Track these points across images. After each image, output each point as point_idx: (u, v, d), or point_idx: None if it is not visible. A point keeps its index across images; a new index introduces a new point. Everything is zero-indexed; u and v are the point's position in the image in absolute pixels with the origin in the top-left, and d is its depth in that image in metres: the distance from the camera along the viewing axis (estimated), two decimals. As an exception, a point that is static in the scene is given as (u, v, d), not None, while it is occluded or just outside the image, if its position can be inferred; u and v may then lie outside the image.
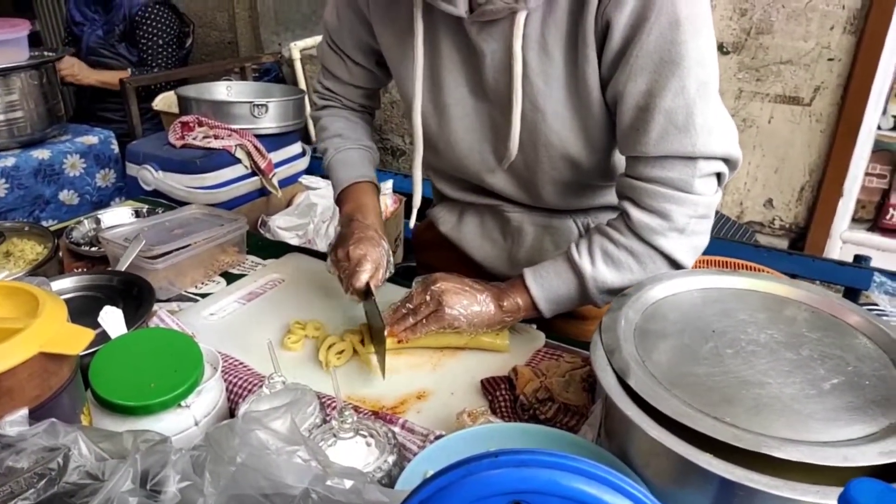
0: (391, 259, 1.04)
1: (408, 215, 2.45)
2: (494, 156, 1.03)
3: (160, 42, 2.80)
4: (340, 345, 0.97)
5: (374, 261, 0.98)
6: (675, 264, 0.90)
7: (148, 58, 2.80)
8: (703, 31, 0.82)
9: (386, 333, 0.94)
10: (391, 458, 0.69)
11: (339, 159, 1.17)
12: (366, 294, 0.98)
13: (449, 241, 1.23)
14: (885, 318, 1.53)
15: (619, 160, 1.00)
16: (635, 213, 0.89)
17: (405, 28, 0.99)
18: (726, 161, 0.87)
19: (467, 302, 0.94)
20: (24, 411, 0.57)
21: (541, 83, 0.92)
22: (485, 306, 0.94)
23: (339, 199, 1.15)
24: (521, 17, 0.87)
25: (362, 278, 0.96)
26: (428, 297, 0.94)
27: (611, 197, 1.08)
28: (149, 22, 2.76)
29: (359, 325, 1.01)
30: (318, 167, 2.50)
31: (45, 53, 2.07)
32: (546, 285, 0.95)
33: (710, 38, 0.83)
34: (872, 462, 0.55)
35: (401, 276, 1.21)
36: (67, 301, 0.76)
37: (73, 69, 2.68)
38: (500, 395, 0.87)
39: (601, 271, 0.91)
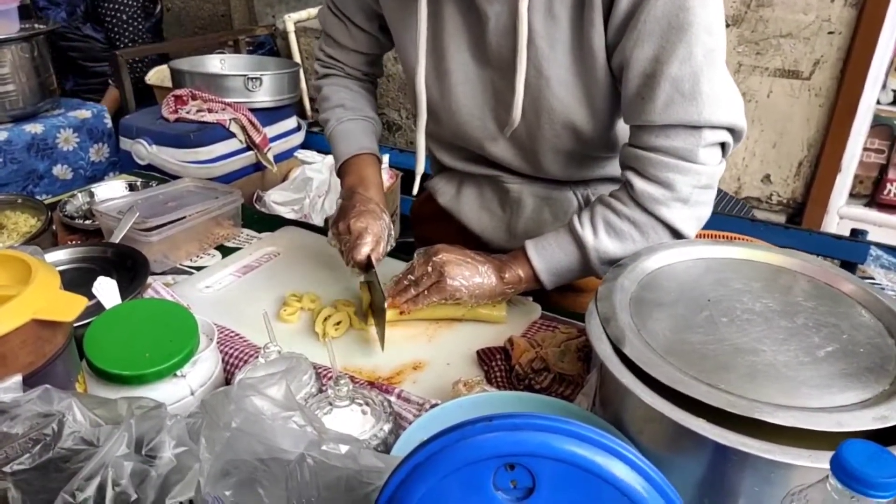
0: (392, 232, 1.04)
1: (405, 190, 2.44)
2: (496, 123, 1.02)
3: (124, 17, 2.68)
4: (337, 316, 0.97)
5: (375, 234, 0.98)
6: (678, 234, 0.90)
7: (115, 35, 2.69)
8: None
9: (387, 305, 0.95)
10: (387, 427, 0.70)
11: (340, 130, 1.15)
12: (366, 267, 0.98)
13: (447, 213, 1.22)
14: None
15: (622, 132, 0.99)
16: (639, 183, 0.88)
17: None
18: (731, 131, 0.86)
19: (469, 273, 0.94)
20: (18, 378, 0.57)
21: (546, 47, 0.90)
22: (486, 278, 0.94)
23: (341, 172, 1.14)
24: None
25: (363, 251, 0.96)
26: (430, 269, 0.94)
27: (611, 169, 1.08)
28: None
29: (359, 294, 1.01)
30: (313, 142, 2.48)
31: (36, 26, 2.04)
32: (548, 257, 0.95)
33: (719, 5, 0.82)
34: (866, 427, 0.55)
35: (399, 251, 1.21)
36: (62, 273, 0.76)
37: None
38: (496, 365, 0.87)
39: (603, 242, 0.91)
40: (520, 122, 0.97)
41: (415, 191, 1.14)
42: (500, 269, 0.96)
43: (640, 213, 0.89)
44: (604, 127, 0.98)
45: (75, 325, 0.67)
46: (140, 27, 2.76)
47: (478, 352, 0.91)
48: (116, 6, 2.67)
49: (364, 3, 1.08)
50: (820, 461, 0.52)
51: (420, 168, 1.10)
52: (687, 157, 0.85)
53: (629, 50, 0.84)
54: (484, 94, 1.00)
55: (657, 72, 0.83)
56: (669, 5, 0.80)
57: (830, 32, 2.33)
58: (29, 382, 0.58)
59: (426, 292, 0.94)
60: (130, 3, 2.70)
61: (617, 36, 0.86)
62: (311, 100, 3.16)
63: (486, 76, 0.99)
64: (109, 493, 0.49)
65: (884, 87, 2.38)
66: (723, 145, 0.87)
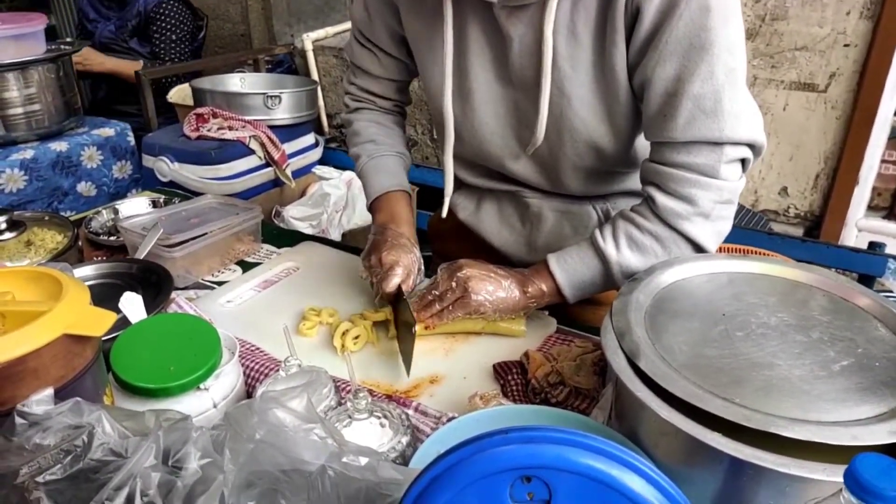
0: (422, 266, 1.06)
1: (422, 204, 2.46)
2: (518, 142, 1.03)
3: (173, 38, 2.80)
4: (356, 330, 0.98)
5: (406, 266, 1.01)
6: (700, 249, 0.91)
7: (161, 52, 2.81)
8: (732, 17, 0.83)
9: (415, 324, 0.96)
10: (405, 439, 0.71)
11: (372, 166, 1.17)
12: (397, 297, 1.00)
13: (466, 228, 1.23)
14: (899, 305, 1.52)
15: (642, 148, 1.00)
16: (661, 199, 0.89)
17: (433, 14, 0.99)
18: (751, 147, 0.87)
19: (492, 288, 0.95)
20: (50, 391, 0.59)
21: (568, 68, 0.92)
22: (509, 292, 0.96)
23: (372, 208, 1.16)
24: (553, 2, 0.88)
25: (393, 282, 0.98)
26: (454, 284, 0.96)
27: (630, 183, 1.09)
28: (163, 18, 2.76)
29: (383, 311, 1.03)
30: (331, 157, 2.51)
31: (62, 47, 2.09)
32: (571, 271, 0.96)
33: (739, 25, 0.84)
34: (881, 441, 0.55)
35: (430, 246, 1.23)
36: (89, 288, 0.78)
37: (83, 56, 2.69)
38: (512, 379, 0.88)
39: (626, 256, 0.92)
40: (542, 141, 0.99)
41: (444, 213, 1.15)
42: (522, 283, 0.97)
43: (663, 227, 0.90)
44: (624, 145, 0.99)
45: (102, 338, 0.69)
46: (186, 49, 2.87)
47: (494, 366, 0.92)
48: (169, 25, 2.78)
49: (390, 29, 1.11)
50: (835, 475, 0.53)
51: (449, 189, 1.11)
52: (708, 172, 0.86)
53: (651, 69, 0.86)
54: (506, 114, 1.02)
55: (679, 90, 0.84)
56: (691, 26, 0.82)
57: (846, 45, 2.33)
58: (60, 395, 0.59)
59: (451, 307, 0.96)
60: (182, 25, 2.82)
61: (639, 56, 0.87)
62: (329, 116, 3.21)
63: (509, 96, 1.00)
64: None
65: (901, 99, 2.37)
66: (743, 161, 0.88)
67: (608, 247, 0.93)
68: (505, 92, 1.00)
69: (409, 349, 0.92)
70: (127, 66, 2.71)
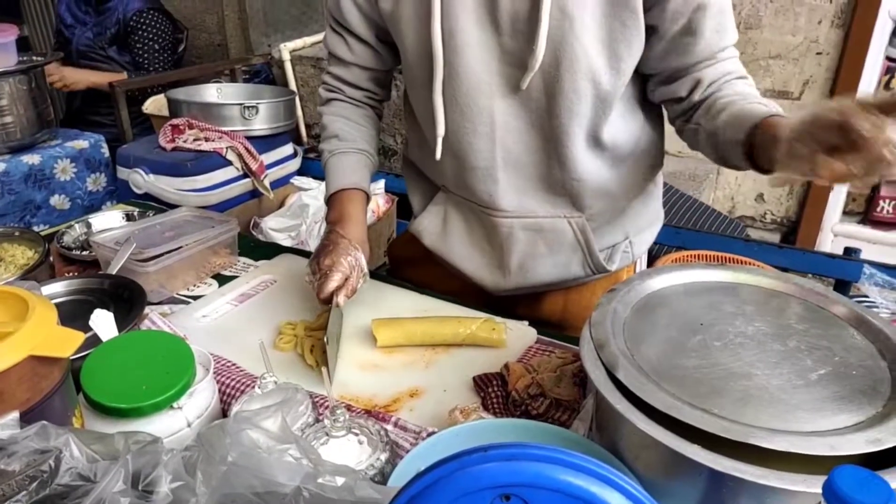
0: (364, 268, 1.04)
1: (402, 214, 2.45)
2: (508, 83, 0.99)
3: (155, 47, 2.79)
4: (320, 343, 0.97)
5: (343, 272, 0.99)
6: None
7: (144, 62, 2.79)
8: None
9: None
10: (384, 456, 0.70)
11: (332, 163, 1.15)
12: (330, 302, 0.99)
13: (431, 255, 1.19)
14: (874, 309, 1.55)
15: (634, 118, 1.04)
16: (749, 89, 0.97)
17: None
18: None
19: None
20: (15, 414, 0.57)
21: None
22: None
23: (328, 205, 1.14)
24: None
25: (326, 288, 0.97)
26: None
27: (614, 185, 1.06)
28: (144, 27, 2.75)
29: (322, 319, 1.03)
30: (309, 168, 2.50)
31: (34, 58, 2.06)
32: None
33: None
34: (859, 451, 0.55)
35: (392, 275, 1.22)
36: (59, 305, 0.76)
37: (63, 75, 2.65)
38: (492, 391, 0.87)
39: None
40: (536, 75, 0.95)
41: (437, 155, 1.07)
42: None
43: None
44: (617, 84, 0.96)
45: (72, 357, 0.67)
46: (168, 59, 2.86)
47: (474, 378, 0.91)
48: (150, 35, 2.76)
49: (361, 10, 1.07)
50: (814, 486, 0.53)
51: (440, 130, 1.04)
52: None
53: None
54: (495, 60, 0.97)
55: (724, 7, 0.94)
56: None
57: (818, 53, 2.37)
58: (26, 419, 0.58)
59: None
60: (163, 35, 2.81)
61: None
62: (307, 126, 3.19)
63: (494, 40, 0.96)
64: (106, 530, 0.49)
65: (873, 106, 2.41)
66: None
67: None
68: (489, 37, 0.96)
69: (334, 360, 0.92)
70: (110, 79, 2.67)
